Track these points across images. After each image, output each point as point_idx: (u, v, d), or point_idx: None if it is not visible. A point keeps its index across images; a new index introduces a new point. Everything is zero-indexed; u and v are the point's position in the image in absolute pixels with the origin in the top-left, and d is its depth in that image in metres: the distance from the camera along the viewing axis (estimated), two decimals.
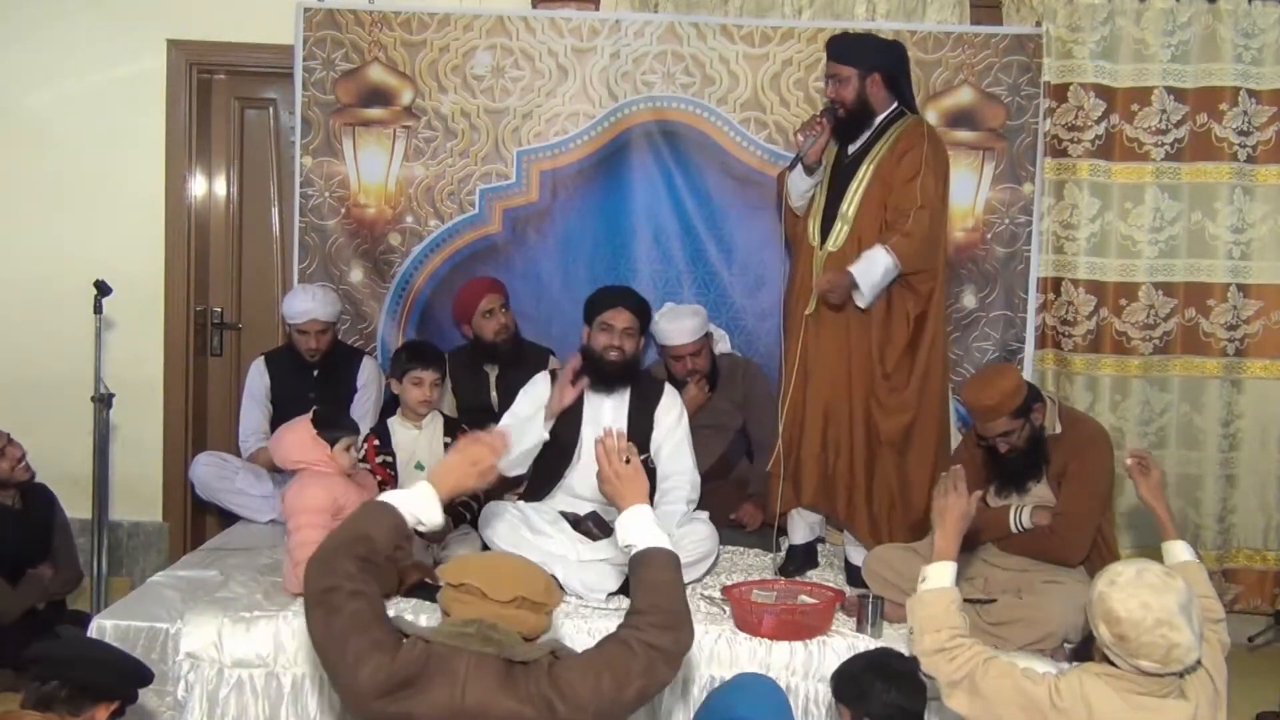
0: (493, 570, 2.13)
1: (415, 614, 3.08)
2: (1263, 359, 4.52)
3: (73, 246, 4.67)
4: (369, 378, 4.41)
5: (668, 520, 3.55)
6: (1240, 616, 4.51)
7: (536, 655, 2.05)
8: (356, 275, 4.60)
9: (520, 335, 4.36)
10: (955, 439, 3.89)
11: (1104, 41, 4.44)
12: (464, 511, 3.85)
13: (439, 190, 4.56)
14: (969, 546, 3.37)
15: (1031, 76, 4.49)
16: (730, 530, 4.00)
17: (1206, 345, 4.52)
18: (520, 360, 4.25)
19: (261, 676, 3.11)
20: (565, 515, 3.66)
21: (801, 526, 3.80)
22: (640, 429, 3.72)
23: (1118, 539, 3.87)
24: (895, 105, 3.64)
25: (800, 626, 3.17)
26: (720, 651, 3.14)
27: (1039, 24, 4.49)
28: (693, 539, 3.57)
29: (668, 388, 3.86)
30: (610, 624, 3.15)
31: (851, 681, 2.53)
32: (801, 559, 3.80)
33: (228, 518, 4.42)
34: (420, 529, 2.29)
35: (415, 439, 3.90)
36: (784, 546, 3.79)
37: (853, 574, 3.68)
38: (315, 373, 4.37)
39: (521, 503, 3.76)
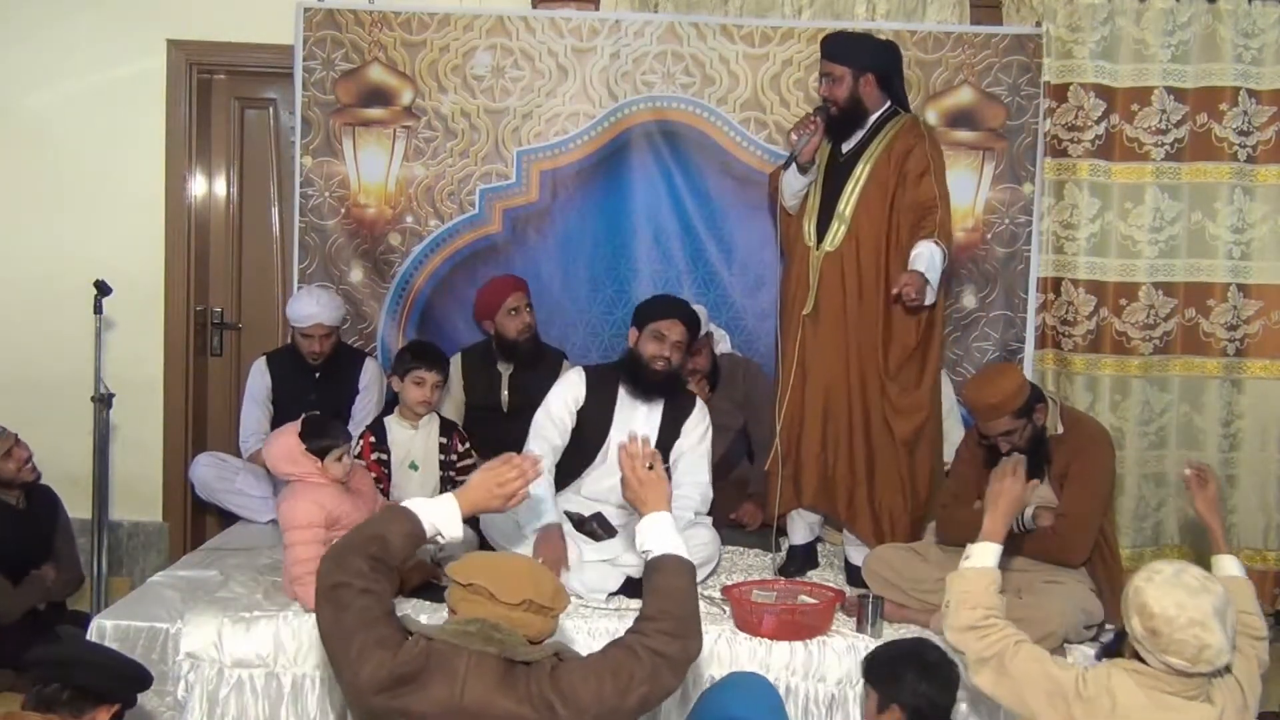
0: (502, 572, 2.13)
1: (416, 613, 3.07)
2: (1263, 359, 4.52)
3: (73, 246, 4.67)
4: (371, 379, 4.41)
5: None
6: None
7: (539, 656, 2.05)
8: (356, 275, 4.60)
9: (539, 339, 4.37)
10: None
11: (1104, 41, 4.44)
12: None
13: (439, 190, 4.56)
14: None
15: (1031, 76, 4.49)
16: (730, 530, 4.01)
17: (1206, 345, 4.52)
18: (537, 361, 4.26)
19: (261, 676, 3.11)
20: (570, 515, 3.65)
21: (801, 527, 3.80)
22: (667, 438, 3.70)
23: (1118, 539, 3.87)
24: (888, 105, 3.64)
25: (800, 626, 3.17)
26: (720, 651, 3.14)
27: (1039, 24, 4.49)
28: (695, 543, 3.55)
29: (699, 402, 3.82)
30: (610, 624, 3.17)
31: (886, 666, 2.56)
32: (801, 559, 3.79)
33: (228, 518, 4.42)
34: (439, 540, 2.30)
35: (411, 438, 3.90)
36: (784, 547, 3.79)
37: (853, 574, 3.68)
38: (317, 374, 4.37)
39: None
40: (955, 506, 3.49)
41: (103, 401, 4.01)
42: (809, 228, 3.66)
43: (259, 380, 4.43)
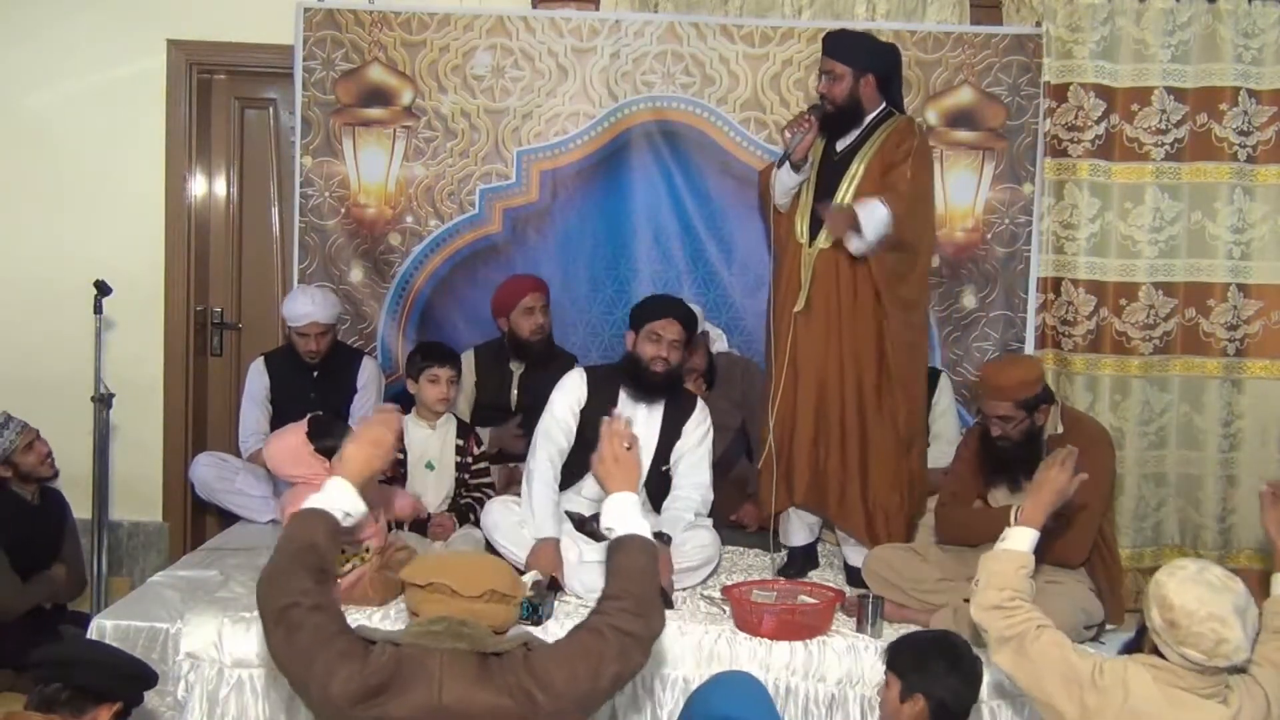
0: (460, 567, 2.14)
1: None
2: (1263, 359, 4.51)
3: (73, 246, 4.67)
4: (369, 378, 4.41)
5: (672, 524, 3.55)
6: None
7: (510, 647, 2.06)
8: (356, 275, 4.60)
9: (553, 341, 4.37)
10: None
11: (1104, 41, 4.44)
12: (468, 511, 3.86)
13: (439, 190, 4.57)
14: (970, 547, 3.38)
15: (1031, 76, 4.49)
16: (730, 530, 4.00)
17: (1207, 345, 4.51)
18: (548, 362, 4.26)
19: (261, 676, 3.11)
20: (570, 515, 3.65)
21: (800, 529, 3.79)
22: (668, 439, 3.71)
23: (1117, 540, 3.87)
24: (884, 106, 3.63)
25: (800, 626, 3.18)
26: (720, 651, 3.14)
27: (1039, 24, 4.49)
28: (695, 544, 3.57)
29: (700, 403, 3.81)
30: None
31: (913, 655, 2.54)
32: (801, 560, 3.79)
33: (228, 518, 4.42)
34: (349, 522, 2.26)
35: (428, 439, 3.91)
36: (783, 550, 3.79)
37: (852, 575, 3.68)
38: (315, 373, 4.37)
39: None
40: (954, 506, 3.50)
41: (103, 401, 4.02)
42: (801, 225, 3.66)
43: (258, 380, 4.43)
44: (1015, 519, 3.30)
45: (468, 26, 4.51)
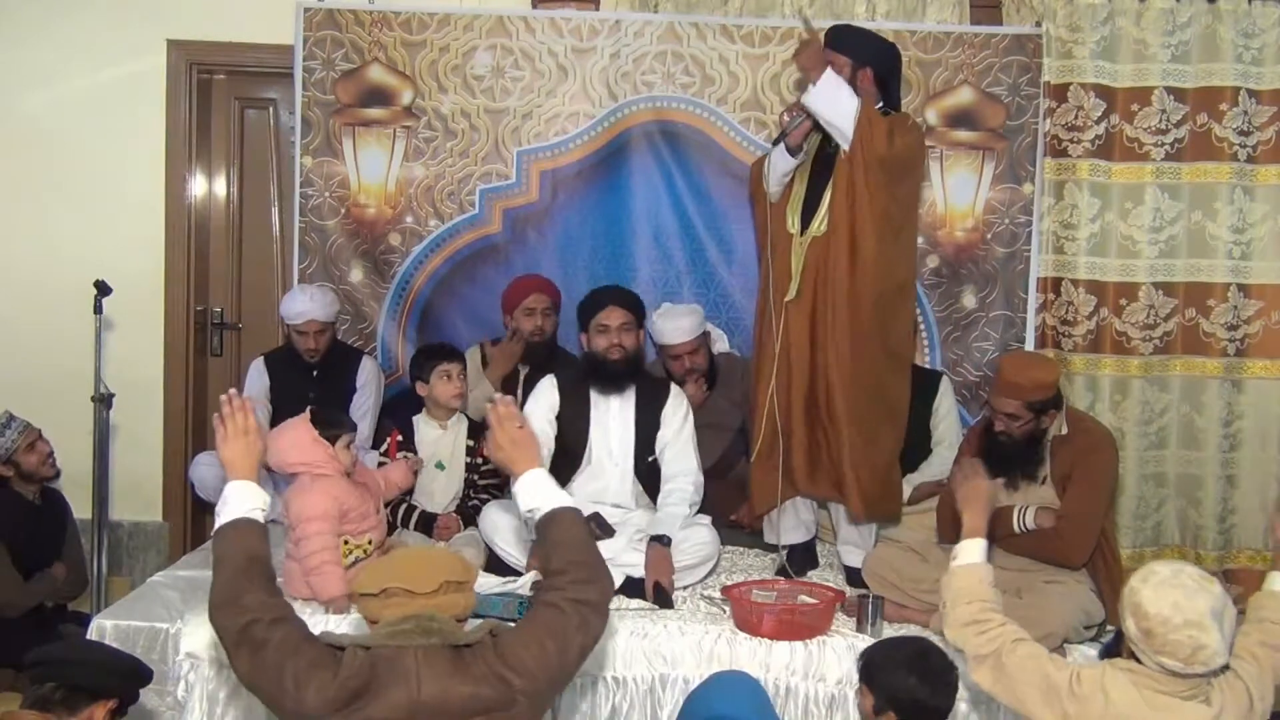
0: (408, 566, 2.13)
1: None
2: (1263, 359, 4.51)
3: (73, 246, 4.68)
4: (368, 378, 4.41)
5: (670, 523, 3.55)
6: (1240, 617, 4.50)
7: (478, 636, 2.06)
8: (356, 275, 4.60)
9: (555, 343, 4.36)
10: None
11: (1104, 41, 4.44)
12: (475, 514, 3.85)
13: (439, 190, 4.56)
14: None
15: (1031, 76, 4.49)
16: (730, 530, 4.00)
17: (1207, 345, 4.51)
18: (549, 365, 4.25)
19: None
20: None
21: (796, 526, 3.79)
22: (647, 428, 3.71)
23: (1118, 540, 3.87)
24: (880, 105, 3.63)
25: (800, 626, 3.17)
26: (720, 651, 3.14)
27: (1039, 24, 4.49)
28: (694, 542, 3.57)
29: (674, 387, 3.84)
30: (611, 622, 3.16)
31: (882, 667, 2.51)
32: (801, 559, 3.79)
33: None
34: (267, 517, 2.28)
35: (439, 438, 3.92)
36: (781, 548, 3.79)
37: (851, 574, 3.68)
38: (314, 373, 4.37)
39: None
40: (955, 507, 3.49)
41: (103, 401, 4.02)
42: (793, 217, 3.66)
43: (257, 380, 4.42)
44: (1018, 521, 3.33)
45: (468, 26, 4.51)
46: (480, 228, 4.59)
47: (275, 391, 4.41)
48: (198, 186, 4.84)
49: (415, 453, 3.85)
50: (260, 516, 2.24)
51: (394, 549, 3.39)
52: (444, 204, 4.57)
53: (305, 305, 4.25)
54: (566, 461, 3.72)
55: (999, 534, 3.40)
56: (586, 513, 3.57)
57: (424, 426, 3.93)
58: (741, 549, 3.98)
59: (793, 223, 3.66)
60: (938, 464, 4.03)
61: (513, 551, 3.51)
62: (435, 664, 1.99)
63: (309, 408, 3.40)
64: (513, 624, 2.17)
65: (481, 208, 4.58)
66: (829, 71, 3.46)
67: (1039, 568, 3.34)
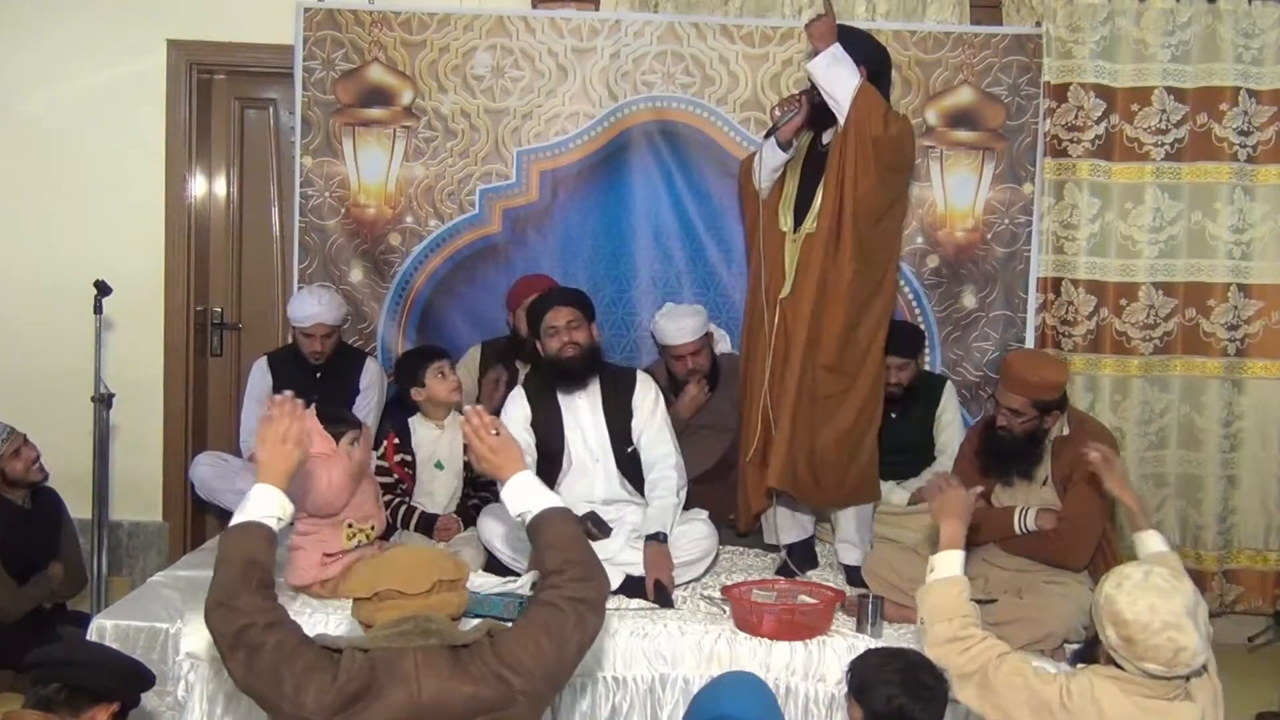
0: (399, 567, 2.13)
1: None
2: (1263, 359, 4.52)
3: (73, 246, 4.67)
4: (372, 379, 4.41)
5: (664, 516, 3.54)
6: (1241, 617, 4.51)
7: (476, 637, 2.06)
8: (356, 275, 4.60)
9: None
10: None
11: (1104, 41, 4.44)
12: (475, 514, 3.85)
13: (439, 190, 4.56)
14: (971, 545, 3.38)
15: (1031, 76, 4.49)
16: (730, 530, 4.00)
17: (1207, 345, 4.52)
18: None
19: None
20: None
21: (793, 526, 3.79)
22: (619, 419, 3.70)
23: (1119, 541, 3.87)
24: None
25: (800, 626, 3.18)
26: (720, 651, 3.14)
27: (1039, 24, 4.49)
28: (692, 537, 3.57)
29: (639, 374, 3.82)
30: (610, 623, 3.16)
31: (870, 679, 2.43)
32: (801, 559, 3.79)
33: (227, 518, 4.32)
34: (280, 526, 2.26)
35: (437, 438, 3.93)
36: (780, 548, 3.79)
37: (851, 574, 3.68)
38: (318, 374, 4.36)
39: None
40: None
41: (103, 401, 4.01)
42: (786, 215, 3.66)
43: (260, 380, 4.42)
44: (1019, 522, 3.33)
45: (468, 26, 4.51)
46: (480, 228, 4.59)
47: (278, 392, 4.37)
48: (198, 186, 4.84)
49: (413, 455, 3.85)
50: (275, 525, 2.22)
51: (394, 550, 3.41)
52: (444, 204, 4.57)
53: (314, 309, 4.24)
54: (548, 466, 3.71)
55: (1000, 535, 3.41)
56: (580, 514, 3.61)
57: (420, 427, 3.93)
58: (741, 549, 3.98)
59: (785, 220, 3.67)
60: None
61: (510, 555, 3.51)
62: (435, 665, 1.99)
63: (312, 407, 3.38)
64: (509, 624, 2.16)
65: (481, 208, 4.58)
66: (837, 45, 3.48)
67: (1039, 568, 3.34)
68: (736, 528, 4.07)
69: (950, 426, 4.20)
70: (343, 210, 4.57)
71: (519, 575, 3.41)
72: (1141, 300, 4.50)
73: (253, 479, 4.43)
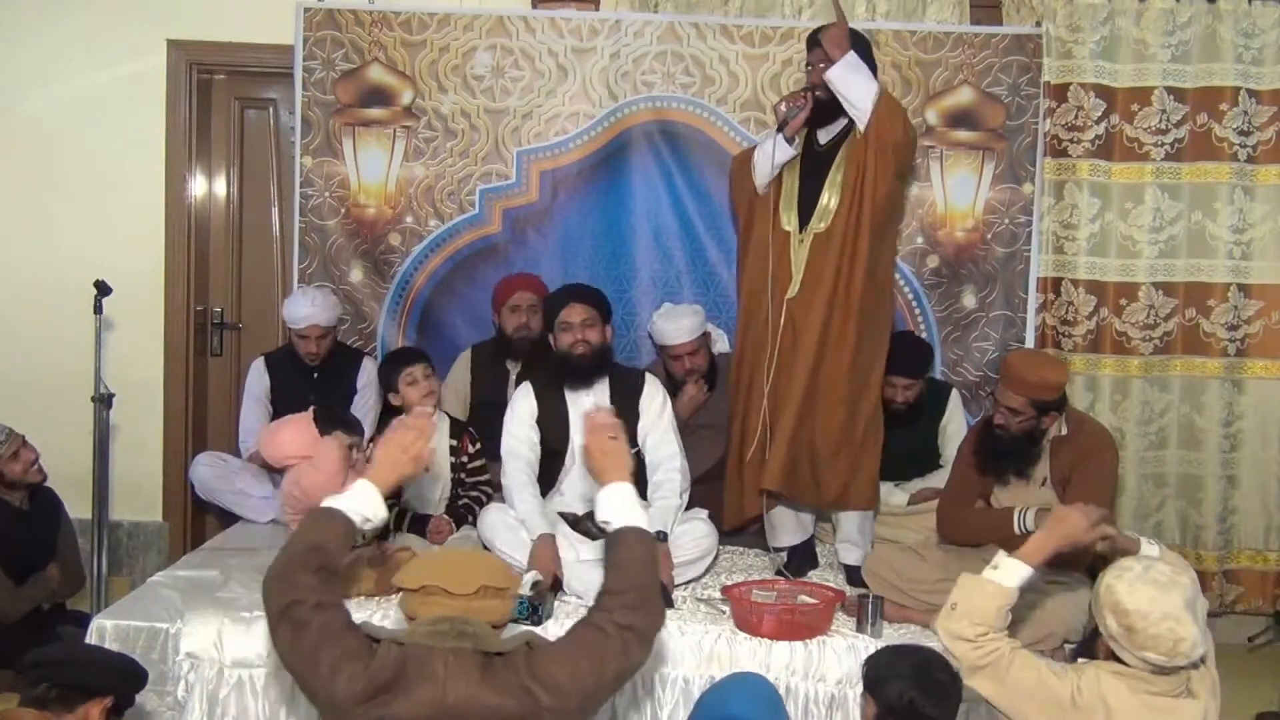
0: (451, 566, 2.14)
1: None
2: (1263, 359, 4.52)
3: (73, 246, 4.67)
4: (369, 379, 4.40)
5: (665, 516, 3.54)
6: (1241, 617, 4.51)
7: (512, 646, 2.05)
8: (356, 275, 4.60)
9: (543, 341, 4.35)
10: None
11: (1104, 41, 4.44)
12: (465, 513, 3.86)
13: (439, 190, 4.56)
14: (972, 546, 3.38)
15: (1031, 76, 4.49)
16: (730, 530, 3.99)
17: (1207, 345, 4.52)
18: (539, 362, 4.24)
19: (261, 676, 3.10)
20: (564, 515, 3.64)
21: (794, 527, 3.79)
22: (626, 421, 3.66)
23: None
24: None
25: (800, 626, 3.17)
26: (720, 651, 3.14)
27: (1039, 24, 4.49)
28: (692, 537, 3.57)
29: (649, 377, 3.83)
30: None
31: (886, 677, 2.41)
32: (801, 559, 3.79)
33: (228, 518, 4.42)
34: (368, 527, 2.27)
35: None
36: (778, 550, 3.79)
37: (851, 574, 3.68)
38: (315, 374, 4.36)
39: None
40: (956, 505, 3.50)
41: (103, 401, 4.01)
42: (788, 215, 3.67)
43: (258, 381, 4.43)
44: (1019, 522, 3.33)
45: (468, 26, 4.51)
46: (480, 228, 4.59)
47: (275, 392, 4.41)
48: (198, 186, 4.84)
49: None
50: (360, 521, 2.21)
51: (393, 551, 3.41)
52: (444, 204, 4.57)
53: (308, 310, 4.24)
54: (552, 462, 3.72)
55: (1000, 536, 3.40)
56: (581, 512, 3.62)
57: None
58: (741, 549, 3.98)
59: (789, 220, 3.67)
60: (940, 479, 4.02)
61: (512, 553, 3.51)
62: (465, 670, 1.98)
63: (311, 409, 3.39)
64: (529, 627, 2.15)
65: (481, 208, 4.58)
66: (852, 53, 3.50)
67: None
68: (720, 526, 4.07)
69: (956, 437, 4.18)
70: (343, 210, 4.57)
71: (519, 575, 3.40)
72: (1141, 300, 4.50)
73: (253, 479, 4.49)
